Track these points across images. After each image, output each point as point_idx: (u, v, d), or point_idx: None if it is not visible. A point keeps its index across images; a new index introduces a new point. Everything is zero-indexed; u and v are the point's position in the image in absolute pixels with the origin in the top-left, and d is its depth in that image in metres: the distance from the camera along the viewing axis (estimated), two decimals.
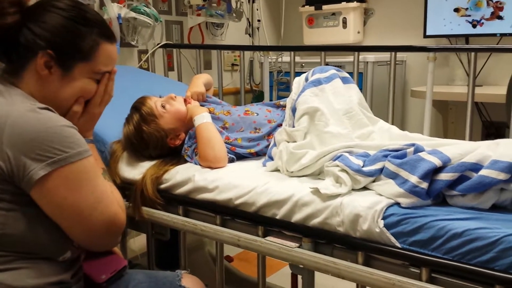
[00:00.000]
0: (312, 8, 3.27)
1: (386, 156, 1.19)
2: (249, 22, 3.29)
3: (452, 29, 2.85)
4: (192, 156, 1.49)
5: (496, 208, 1.06)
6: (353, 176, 1.17)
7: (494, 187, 1.04)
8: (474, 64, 1.88)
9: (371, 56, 2.87)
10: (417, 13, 2.99)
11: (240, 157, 1.52)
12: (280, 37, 3.61)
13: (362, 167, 1.19)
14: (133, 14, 2.36)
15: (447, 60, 3.01)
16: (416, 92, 2.76)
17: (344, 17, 3.18)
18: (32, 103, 1.02)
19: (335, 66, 2.99)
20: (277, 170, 1.37)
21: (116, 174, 1.51)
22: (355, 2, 3.14)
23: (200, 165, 1.45)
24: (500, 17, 2.71)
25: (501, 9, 2.70)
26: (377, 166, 1.18)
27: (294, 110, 1.42)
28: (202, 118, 1.51)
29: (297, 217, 1.19)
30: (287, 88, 1.59)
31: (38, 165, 0.96)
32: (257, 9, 3.29)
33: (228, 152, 1.48)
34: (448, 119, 3.08)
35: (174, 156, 1.54)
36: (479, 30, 2.78)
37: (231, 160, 1.48)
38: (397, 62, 2.00)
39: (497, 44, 2.76)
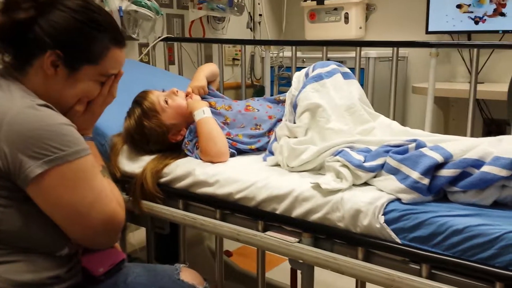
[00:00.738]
0: (314, 3, 3.25)
1: (387, 151, 1.18)
2: (251, 16, 3.28)
3: (454, 26, 2.84)
4: (193, 151, 1.49)
5: (497, 204, 1.06)
6: (354, 172, 1.17)
7: (496, 184, 1.03)
8: (476, 60, 1.87)
9: (372, 52, 2.86)
10: (419, 9, 2.98)
11: (241, 152, 1.52)
12: (281, 32, 3.60)
13: (363, 162, 1.18)
14: (134, 7, 2.35)
15: (449, 57, 3.00)
16: (417, 88, 2.75)
17: (346, 12, 3.17)
18: (31, 99, 1.01)
19: (337, 61, 2.98)
20: (277, 165, 1.37)
21: (116, 168, 1.50)
22: None
23: (201, 159, 1.44)
24: (502, 14, 2.70)
25: (504, 5, 2.69)
26: (378, 161, 1.18)
27: (295, 106, 1.41)
28: (202, 112, 1.50)
29: (297, 212, 1.18)
30: (288, 83, 1.58)
31: (35, 162, 0.95)
32: (259, 3, 3.28)
33: (229, 147, 1.47)
34: (450, 116, 3.08)
35: (174, 150, 1.53)
36: (481, 26, 2.77)
37: (232, 155, 1.47)
38: (399, 58, 1.99)
39: (499, 41, 2.74)
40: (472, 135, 1.88)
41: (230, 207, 1.30)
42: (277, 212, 1.22)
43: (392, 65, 2.00)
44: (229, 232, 1.25)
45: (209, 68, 1.81)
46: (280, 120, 1.54)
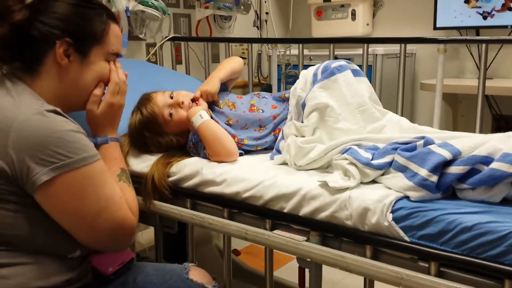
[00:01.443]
0: (321, 0, 3.24)
1: (395, 149, 1.18)
2: (257, 15, 3.28)
3: (462, 21, 2.82)
4: (200, 152, 1.47)
5: (506, 201, 1.05)
6: (361, 169, 1.16)
7: (505, 181, 1.02)
8: (485, 56, 1.85)
9: (380, 49, 2.84)
10: (427, 4, 2.96)
11: (248, 151, 1.52)
12: (288, 30, 3.59)
13: (371, 160, 1.18)
14: (141, 7, 2.36)
15: (457, 52, 2.98)
16: (425, 85, 2.73)
17: (353, 9, 3.16)
18: (40, 105, 1.01)
19: (344, 58, 2.97)
20: (284, 163, 1.36)
21: None
22: None
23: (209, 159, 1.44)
24: (511, 9, 2.67)
25: None
26: (386, 159, 1.17)
27: (303, 105, 1.40)
28: (199, 117, 1.44)
29: (305, 210, 1.18)
30: (295, 81, 1.56)
31: (42, 169, 0.95)
32: (265, 2, 3.27)
33: None
34: (458, 112, 3.05)
35: (181, 148, 1.53)
36: (489, 21, 2.74)
37: (239, 155, 1.47)
38: (406, 54, 1.98)
39: (508, 36, 2.72)
40: (481, 132, 1.87)
41: (237, 206, 1.30)
42: (285, 210, 1.22)
43: (399, 61, 1.98)
44: (237, 231, 1.25)
45: (230, 67, 1.70)
46: (285, 119, 1.52)
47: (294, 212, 1.20)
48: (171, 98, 1.52)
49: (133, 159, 1.53)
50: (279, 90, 2.82)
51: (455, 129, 3.01)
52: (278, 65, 3.12)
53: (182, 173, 1.41)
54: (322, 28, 3.31)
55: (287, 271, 2.37)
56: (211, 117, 1.55)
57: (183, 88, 1.61)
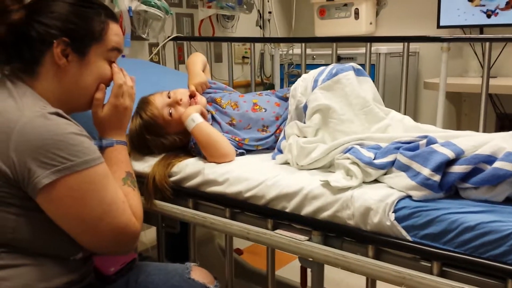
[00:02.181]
0: None
1: (398, 148, 1.17)
2: (260, 14, 3.27)
3: (466, 19, 2.81)
4: (200, 152, 1.47)
5: (510, 201, 1.04)
6: (364, 169, 1.16)
7: (508, 180, 1.02)
8: (489, 54, 1.84)
9: (383, 48, 2.84)
10: (431, 3, 2.95)
11: (249, 150, 1.51)
12: (291, 29, 3.58)
13: (373, 159, 1.17)
14: (143, 7, 2.36)
15: (461, 51, 2.97)
16: (429, 83, 2.72)
17: (356, 8, 3.15)
18: (42, 107, 1.00)
19: (347, 58, 2.98)
20: (286, 163, 1.36)
21: None
22: None
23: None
24: None
25: None
26: (389, 158, 1.17)
27: (305, 108, 1.39)
28: (192, 121, 1.44)
29: (307, 210, 1.18)
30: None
31: (43, 172, 0.95)
32: (268, 1, 3.27)
33: (236, 148, 1.46)
34: (462, 111, 3.04)
35: (183, 148, 1.53)
36: (493, 20, 2.73)
37: (240, 154, 1.47)
38: (410, 53, 1.97)
39: None
40: (484, 130, 1.86)
41: (239, 206, 1.30)
42: (287, 210, 1.21)
43: (403, 60, 1.98)
44: (239, 230, 1.25)
45: (200, 59, 1.75)
46: (287, 119, 1.51)
47: (296, 211, 1.20)
48: (169, 97, 1.52)
49: (134, 160, 1.53)
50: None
51: (458, 128, 3.00)
52: (281, 65, 3.11)
53: (184, 173, 1.41)
54: (325, 27, 3.30)
55: (289, 270, 2.37)
56: (214, 117, 1.54)
57: (186, 88, 1.60)
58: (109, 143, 1.22)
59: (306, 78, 1.49)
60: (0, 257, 0.99)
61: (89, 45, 1.08)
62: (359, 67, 1.46)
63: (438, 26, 2.89)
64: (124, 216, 1.05)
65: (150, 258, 1.73)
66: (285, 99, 1.59)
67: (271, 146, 1.51)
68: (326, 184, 1.16)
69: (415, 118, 3.17)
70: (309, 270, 1.20)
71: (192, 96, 1.55)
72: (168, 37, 2.51)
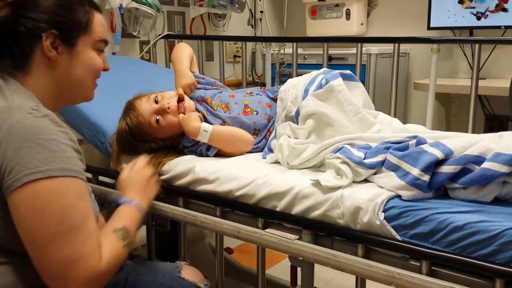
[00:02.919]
0: None
1: (387, 148, 1.18)
2: (252, 13, 3.27)
3: (456, 21, 2.83)
4: (203, 151, 1.46)
5: (498, 201, 1.05)
6: (354, 168, 1.17)
7: (497, 180, 1.03)
8: (478, 56, 1.86)
9: (374, 48, 2.85)
10: (421, 4, 2.97)
11: None
12: (282, 29, 3.59)
13: (364, 159, 1.18)
14: (135, 4, 2.35)
15: (451, 52, 2.99)
16: (419, 84, 2.74)
17: (348, 9, 3.16)
18: (34, 107, 0.97)
19: (338, 58, 2.98)
20: (277, 162, 1.36)
21: (117, 166, 1.50)
22: None
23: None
24: (504, 9, 2.68)
25: (506, 1, 2.67)
26: (379, 158, 1.17)
27: (297, 114, 1.39)
28: (205, 132, 1.42)
29: (297, 209, 1.18)
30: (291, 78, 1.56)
31: (17, 175, 0.90)
32: (260, 0, 3.27)
33: None
34: (451, 112, 3.07)
35: (173, 147, 1.53)
36: (483, 22, 2.75)
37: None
38: (400, 54, 1.98)
39: (501, 37, 2.73)
40: (473, 131, 1.87)
41: (230, 205, 1.30)
42: (277, 209, 1.21)
43: (393, 61, 1.99)
44: (229, 229, 1.25)
45: (186, 53, 1.66)
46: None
47: (286, 210, 1.20)
48: (156, 101, 1.48)
49: (124, 157, 1.52)
50: None
51: (448, 128, 3.02)
52: (272, 64, 3.12)
53: (175, 171, 1.41)
54: (316, 27, 3.31)
55: (280, 269, 2.38)
56: (205, 118, 1.53)
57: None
58: (128, 201, 1.17)
59: (296, 86, 1.48)
60: None
61: (77, 35, 1.08)
62: (350, 72, 1.44)
63: (429, 28, 2.91)
64: (82, 247, 0.92)
65: (140, 257, 1.72)
66: (276, 100, 1.58)
67: (260, 148, 1.51)
68: (317, 184, 1.16)
69: (405, 118, 3.19)
70: (299, 269, 1.21)
71: (180, 100, 1.51)
72: (159, 35, 2.50)
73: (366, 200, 1.08)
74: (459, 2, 2.80)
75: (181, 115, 1.47)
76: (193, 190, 1.36)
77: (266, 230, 1.20)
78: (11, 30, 1.03)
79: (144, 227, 1.70)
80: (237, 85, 3.14)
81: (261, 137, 1.52)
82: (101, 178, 1.59)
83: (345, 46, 2.95)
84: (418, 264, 1.00)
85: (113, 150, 1.53)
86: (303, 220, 1.17)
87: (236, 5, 2.95)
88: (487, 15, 2.74)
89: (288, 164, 1.32)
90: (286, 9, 3.52)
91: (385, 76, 2.77)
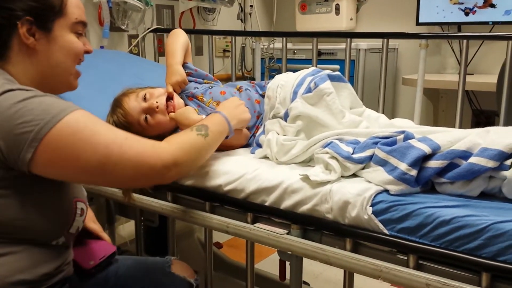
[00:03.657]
0: None
1: (376, 143, 1.18)
2: (241, 8, 3.27)
3: (444, 17, 2.85)
4: None
5: (484, 195, 1.06)
6: (342, 163, 1.17)
7: (483, 175, 1.04)
8: (466, 51, 1.88)
9: (363, 44, 2.86)
10: (410, 0, 2.98)
11: None
12: (272, 23, 3.58)
13: (352, 154, 1.18)
14: None
15: (439, 48, 3.01)
16: (407, 80, 2.76)
17: (337, 4, 3.16)
18: (6, 85, 0.96)
19: (328, 53, 2.98)
20: (266, 157, 1.36)
21: None
22: None
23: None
24: (492, 5, 2.70)
25: None
26: (367, 153, 1.18)
27: (286, 115, 1.38)
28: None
29: (286, 203, 1.19)
30: (279, 74, 1.55)
31: (22, 147, 0.91)
32: None
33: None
34: (439, 107, 3.09)
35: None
36: (471, 18, 2.77)
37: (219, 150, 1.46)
38: (389, 49, 1.99)
39: (489, 32, 2.75)
40: (461, 126, 1.89)
41: (219, 199, 1.30)
42: (266, 204, 1.22)
43: (382, 56, 2.00)
44: (218, 224, 1.25)
45: (180, 43, 1.62)
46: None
47: (275, 205, 1.20)
48: (145, 99, 1.46)
49: None
50: None
51: (435, 123, 3.05)
52: (262, 59, 3.12)
53: None
54: (306, 22, 3.31)
55: (268, 263, 2.39)
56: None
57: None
58: (216, 111, 1.29)
59: (285, 86, 1.47)
60: None
61: (52, 19, 1.06)
62: (338, 73, 1.43)
63: (417, 23, 2.93)
64: (133, 149, 0.98)
65: (129, 252, 1.72)
66: (264, 96, 1.58)
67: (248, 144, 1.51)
68: (306, 178, 1.16)
69: (394, 113, 3.21)
70: (288, 263, 1.21)
71: (169, 98, 1.49)
72: (148, 28, 2.49)
73: (354, 194, 1.08)
74: None
75: (178, 111, 1.45)
76: (182, 184, 1.36)
77: (255, 224, 1.21)
78: None
79: (132, 222, 1.70)
80: (227, 79, 3.13)
81: (251, 134, 1.52)
82: None
83: (335, 41, 2.95)
84: (406, 258, 1.01)
85: None
86: (292, 214, 1.17)
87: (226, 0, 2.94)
88: (475, 11, 2.76)
89: (277, 159, 1.32)
90: (276, 3, 3.52)
91: (374, 71, 2.79)
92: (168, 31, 2.65)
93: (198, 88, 1.59)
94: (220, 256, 2.28)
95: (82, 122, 0.96)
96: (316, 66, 2.11)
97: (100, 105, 1.54)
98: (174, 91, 1.53)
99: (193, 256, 2.09)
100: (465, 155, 1.07)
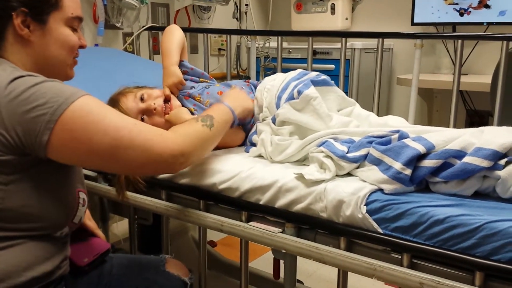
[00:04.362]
0: None
1: (370, 142, 1.19)
2: (237, 6, 3.26)
3: (439, 17, 2.86)
4: None
5: (478, 195, 1.07)
6: (337, 162, 1.17)
7: (477, 174, 1.04)
8: (461, 52, 1.88)
9: (358, 43, 2.87)
10: (405, 0, 2.99)
11: None
12: (267, 22, 3.58)
13: (347, 153, 1.18)
14: None
15: (434, 48, 3.02)
16: (402, 79, 2.76)
17: (333, 3, 3.17)
18: (12, 71, 0.98)
19: (323, 52, 2.98)
20: (260, 156, 1.36)
21: None
22: None
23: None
24: (487, 6, 2.72)
25: None
26: (362, 152, 1.18)
27: (273, 120, 1.37)
28: None
29: (280, 202, 1.18)
30: (274, 74, 1.55)
31: (40, 128, 0.93)
32: None
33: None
34: (433, 107, 3.10)
35: None
36: (466, 18, 2.78)
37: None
38: (384, 49, 2.00)
39: (483, 33, 2.77)
40: (455, 126, 1.90)
41: (213, 198, 1.30)
42: (261, 202, 1.22)
43: (377, 56, 2.00)
44: (212, 222, 1.25)
45: (176, 41, 1.60)
46: None
47: (270, 204, 1.20)
48: (142, 100, 1.46)
49: None
50: None
51: (429, 123, 3.06)
52: (257, 58, 3.11)
53: None
54: (301, 22, 3.31)
55: (263, 262, 2.39)
56: (193, 114, 1.51)
57: (160, 78, 1.58)
58: (225, 104, 1.31)
59: (271, 90, 1.46)
60: None
61: (47, 12, 1.07)
62: (323, 78, 1.42)
63: (412, 23, 2.93)
64: (141, 135, 1.00)
65: (123, 250, 1.71)
66: None
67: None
68: (300, 177, 1.16)
69: (388, 113, 3.22)
70: (282, 261, 1.21)
71: (167, 100, 1.49)
72: (143, 26, 2.48)
73: (348, 193, 1.08)
74: None
75: (171, 112, 1.45)
76: (176, 183, 1.36)
77: (250, 223, 1.20)
78: None
79: (126, 220, 1.69)
80: (222, 78, 3.12)
81: (247, 132, 1.51)
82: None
83: (330, 41, 2.96)
84: (400, 256, 1.01)
85: None
86: (286, 213, 1.17)
87: None
88: (470, 11, 2.77)
89: (271, 159, 1.32)
90: (271, 2, 3.52)
91: (369, 71, 2.79)
92: (163, 29, 2.64)
93: (194, 87, 1.59)
94: (214, 254, 2.27)
95: (94, 106, 0.98)
96: (312, 66, 2.11)
97: None
98: (172, 93, 1.52)
99: (187, 255, 2.09)
100: (459, 154, 1.07)
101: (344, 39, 2.04)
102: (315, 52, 2.90)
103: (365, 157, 1.17)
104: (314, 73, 1.45)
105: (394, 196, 1.06)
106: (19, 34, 1.04)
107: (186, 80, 1.61)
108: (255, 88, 1.57)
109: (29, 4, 1.04)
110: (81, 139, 0.96)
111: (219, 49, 3.27)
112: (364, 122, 1.41)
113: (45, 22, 1.07)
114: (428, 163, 1.08)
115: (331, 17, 3.20)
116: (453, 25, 2.88)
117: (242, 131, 1.48)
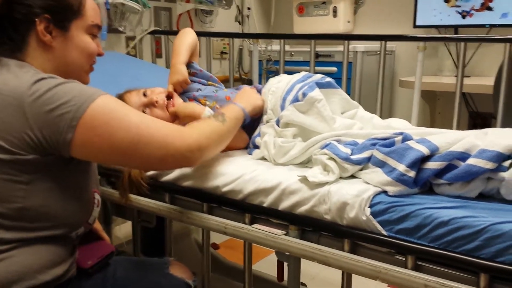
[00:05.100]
0: None
1: (374, 144, 1.18)
2: (239, 10, 3.27)
3: (441, 20, 2.86)
4: None
5: (483, 197, 1.06)
6: (341, 164, 1.17)
7: (481, 176, 1.04)
8: (463, 54, 1.88)
9: (360, 46, 2.87)
10: (407, 3, 2.99)
11: None
12: (270, 26, 3.59)
13: (350, 155, 1.18)
14: (121, 0, 2.33)
15: (436, 50, 3.02)
16: (404, 82, 2.76)
17: (335, 6, 3.17)
18: (34, 74, 1.01)
19: (325, 55, 2.99)
20: (263, 158, 1.36)
21: None
22: None
23: None
24: (489, 8, 2.71)
25: (491, 0, 2.70)
26: (365, 154, 1.18)
27: (277, 122, 1.37)
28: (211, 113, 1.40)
29: (284, 205, 1.18)
30: (276, 76, 1.55)
31: (64, 126, 0.96)
32: None
33: None
34: (436, 109, 3.10)
35: None
36: (468, 20, 2.78)
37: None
38: (386, 52, 2.00)
39: (486, 35, 2.76)
40: (457, 128, 1.90)
41: (217, 200, 1.30)
42: (264, 205, 1.21)
43: (380, 59, 2.00)
44: (216, 225, 1.25)
45: (187, 43, 1.62)
46: None
47: (273, 206, 1.20)
48: (145, 95, 1.49)
49: None
50: None
51: (432, 125, 3.05)
52: (260, 61, 3.12)
53: None
54: (303, 25, 3.32)
55: (266, 264, 2.38)
56: None
57: (163, 82, 1.59)
58: (235, 104, 1.35)
59: (276, 93, 1.46)
60: (4, 228, 0.98)
61: (69, 19, 1.10)
62: (327, 80, 1.42)
63: (414, 26, 2.93)
64: (161, 132, 1.05)
65: (125, 252, 1.71)
66: None
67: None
68: (304, 179, 1.16)
69: (391, 115, 3.21)
70: (285, 264, 1.21)
71: (169, 97, 1.50)
72: (146, 30, 2.49)
73: (352, 195, 1.08)
74: (444, 1, 2.82)
75: (177, 105, 1.47)
76: (179, 185, 1.36)
77: (253, 225, 1.20)
78: (6, 17, 1.05)
79: (129, 223, 1.69)
80: (224, 81, 3.11)
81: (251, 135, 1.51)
82: None
83: (332, 44, 2.96)
84: (404, 259, 1.01)
85: None
86: (290, 215, 1.17)
87: (223, 2, 2.94)
88: (472, 13, 2.77)
89: (274, 161, 1.32)
90: (273, 6, 3.52)
91: (371, 74, 2.79)
92: (165, 33, 2.66)
93: (201, 90, 1.59)
94: (217, 257, 2.27)
95: (115, 104, 1.03)
96: (314, 68, 2.11)
97: None
98: (175, 90, 1.53)
99: (190, 258, 2.09)
100: (463, 156, 1.07)
101: (346, 42, 2.04)
102: (317, 55, 2.90)
103: (368, 159, 1.17)
104: (319, 76, 1.46)
105: (398, 198, 1.06)
106: (41, 40, 1.06)
107: (193, 82, 1.61)
108: (260, 92, 1.58)
109: (52, 11, 1.07)
110: (104, 135, 0.99)
111: (222, 53, 3.27)
112: (367, 125, 1.41)
113: (67, 29, 1.10)
114: (432, 165, 1.08)
115: (333, 20, 3.21)
116: (456, 28, 2.88)
117: (245, 134, 1.48)
